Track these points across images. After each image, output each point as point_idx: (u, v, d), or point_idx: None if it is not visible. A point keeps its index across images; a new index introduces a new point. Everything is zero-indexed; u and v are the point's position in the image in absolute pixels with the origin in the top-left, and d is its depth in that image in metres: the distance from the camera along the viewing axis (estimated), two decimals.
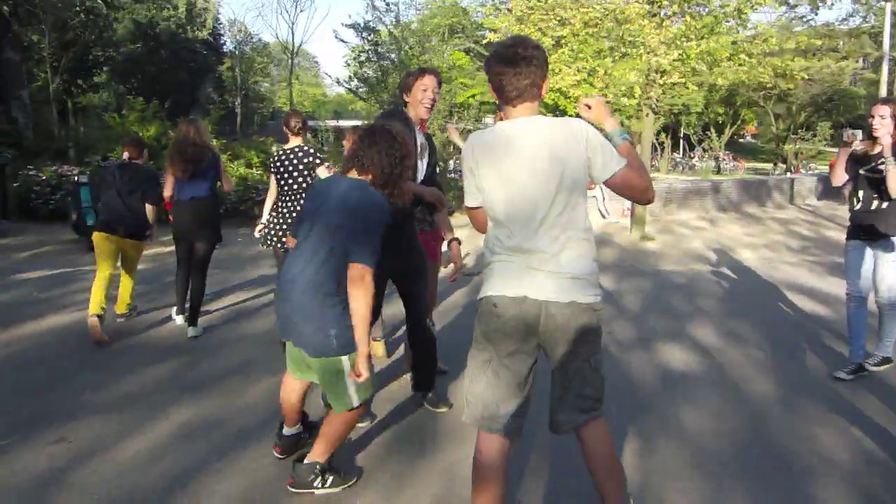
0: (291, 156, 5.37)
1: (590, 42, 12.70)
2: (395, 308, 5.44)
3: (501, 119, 2.62)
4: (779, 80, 14.80)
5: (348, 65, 20.43)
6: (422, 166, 4.09)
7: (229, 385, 4.58)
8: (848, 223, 4.93)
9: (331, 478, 3.17)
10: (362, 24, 18.76)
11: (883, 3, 22.28)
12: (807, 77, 17.25)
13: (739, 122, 41.35)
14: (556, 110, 15.23)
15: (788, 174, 27.67)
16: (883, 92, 20.03)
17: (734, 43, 12.34)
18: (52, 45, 18.25)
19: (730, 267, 9.58)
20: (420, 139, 4.07)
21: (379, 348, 5.15)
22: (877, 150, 4.59)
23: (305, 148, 5.41)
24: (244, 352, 5.34)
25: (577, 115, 2.71)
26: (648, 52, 12.07)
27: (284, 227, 5.37)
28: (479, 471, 2.54)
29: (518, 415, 2.55)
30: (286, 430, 3.51)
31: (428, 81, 4.05)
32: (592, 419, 2.57)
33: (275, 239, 5.45)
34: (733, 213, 17.32)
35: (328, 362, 2.98)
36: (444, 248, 4.57)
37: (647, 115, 13.18)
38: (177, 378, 4.76)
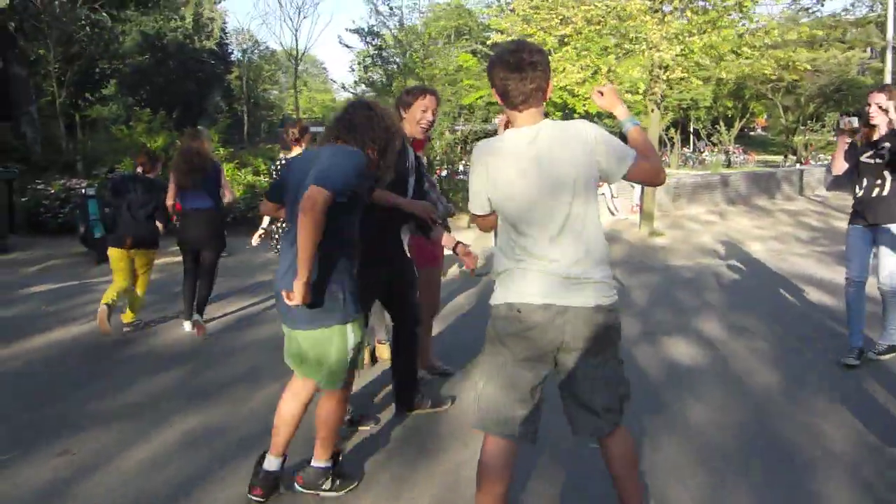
0: None
1: (595, 40, 12.69)
2: None
3: (506, 122, 2.63)
4: (783, 72, 14.71)
5: (353, 70, 20.51)
6: (411, 181, 3.98)
7: (235, 392, 4.60)
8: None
9: (339, 481, 3.18)
10: (366, 29, 18.80)
11: None
12: (810, 68, 17.12)
13: (749, 115, 41.16)
14: (564, 108, 15.22)
15: (798, 165, 27.52)
16: (888, 81, 19.89)
17: (741, 36, 12.31)
18: (57, 59, 18.32)
19: (738, 260, 9.54)
20: (411, 158, 3.96)
21: (385, 351, 5.15)
22: (875, 137, 4.65)
23: None
24: (250, 359, 5.36)
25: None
26: (651, 48, 12.06)
27: None
28: (485, 472, 2.54)
29: (532, 420, 2.53)
30: (268, 463, 3.13)
31: (429, 102, 3.98)
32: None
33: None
34: (742, 206, 17.26)
35: (316, 334, 2.94)
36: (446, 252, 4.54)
37: (651, 110, 13.16)
38: (183, 386, 4.78)
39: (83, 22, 19.32)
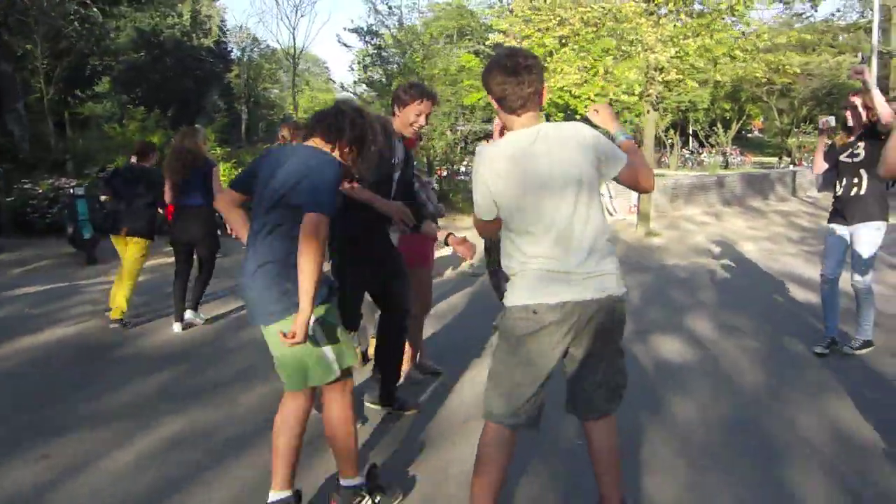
0: None
1: (594, 41, 12.73)
2: None
3: (502, 128, 2.69)
4: (773, 76, 14.85)
5: (352, 69, 20.41)
6: (396, 177, 3.90)
7: (226, 394, 4.55)
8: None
9: (378, 497, 2.96)
10: (365, 29, 18.70)
11: None
12: (800, 72, 17.29)
13: (745, 117, 41.37)
14: (566, 109, 15.26)
15: (791, 167, 27.65)
16: (874, 84, 19.98)
17: (737, 39, 12.38)
18: (45, 55, 18.04)
19: (732, 259, 9.64)
20: (399, 155, 3.88)
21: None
22: (852, 138, 4.88)
23: None
24: (243, 359, 5.31)
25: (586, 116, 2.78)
26: (646, 50, 12.10)
27: None
28: (484, 458, 2.59)
29: (539, 408, 2.63)
30: (274, 496, 2.83)
31: (425, 108, 3.84)
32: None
33: None
34: (737, 206, 17.38)
35: (273, 329, 2.71)
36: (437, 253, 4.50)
37: (647, 111, 13.22)
38: (173, 387, 4.74)
39: (73, 17, 19.04)
